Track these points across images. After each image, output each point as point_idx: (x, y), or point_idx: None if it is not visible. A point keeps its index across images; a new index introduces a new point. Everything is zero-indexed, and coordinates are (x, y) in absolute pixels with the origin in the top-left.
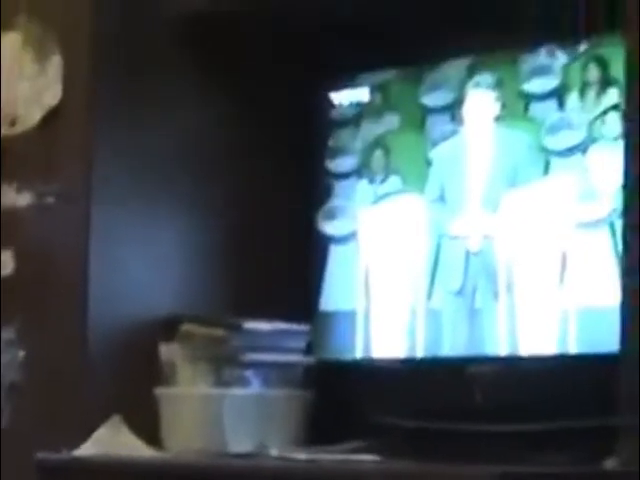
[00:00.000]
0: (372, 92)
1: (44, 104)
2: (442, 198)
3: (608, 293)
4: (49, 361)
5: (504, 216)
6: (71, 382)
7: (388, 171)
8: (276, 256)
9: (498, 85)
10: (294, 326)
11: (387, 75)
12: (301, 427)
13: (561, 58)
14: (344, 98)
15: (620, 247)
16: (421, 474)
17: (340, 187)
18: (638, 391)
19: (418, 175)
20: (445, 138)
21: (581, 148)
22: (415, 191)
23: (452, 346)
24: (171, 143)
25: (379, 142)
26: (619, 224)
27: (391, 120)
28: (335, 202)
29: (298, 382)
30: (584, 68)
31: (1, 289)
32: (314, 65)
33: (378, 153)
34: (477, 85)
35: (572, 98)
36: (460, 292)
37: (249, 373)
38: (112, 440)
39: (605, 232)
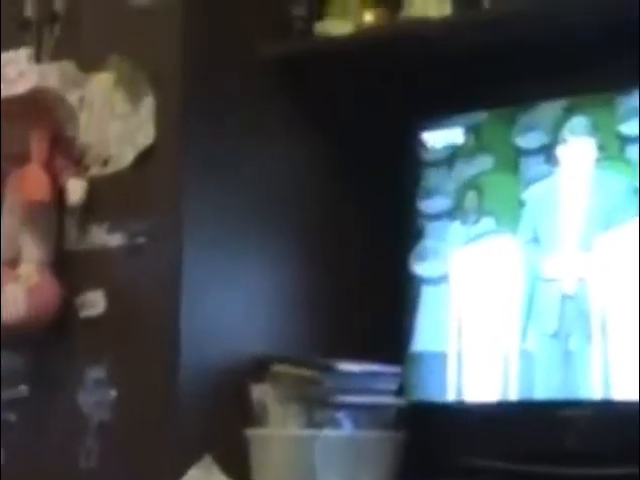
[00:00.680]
0: (466, 133)
1: (137, 144)
2: (536, 239)
3: None
4: (139, 401)
5: (598, 258)
6: (161, 422)
7: (481, 212)
8: (367, 297)
9: (594, 127)
10: (385, 367)
11: (481, 116)
12: (392, 469)
13: None
14: (437, 139)
15: None
16: None
17: (432, 228)
18: None
19: (511, 216)
20: (539, 179)
21: None
22: (508, 232)
23: (545, 389)
24: (262, 183)
25: (472, 183)
26: None
27: (484, 161)
28: (427, 243)
29: (389, 424)
30: None
31: (92, 329)
32: (408, 105)
33: (471, 194)
34: (572, 127)
35: None
36: (555, 335)
37: (340, 414)
38: None
39: None
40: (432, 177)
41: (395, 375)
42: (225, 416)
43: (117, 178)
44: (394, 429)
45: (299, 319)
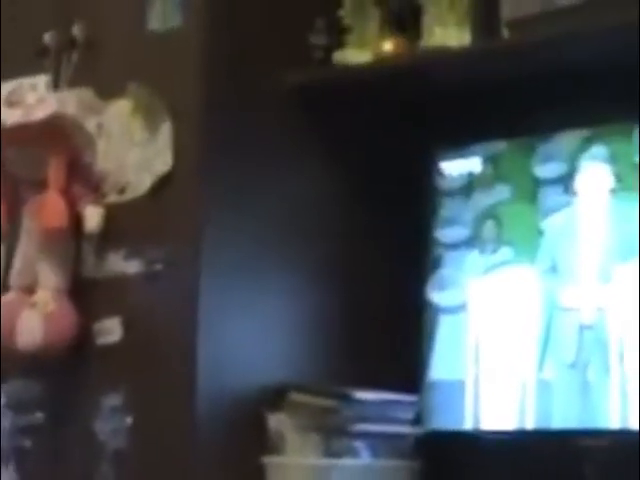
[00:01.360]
0: (484, 162)
1: (154, 171)
2: (554, 269)
3: None
4: (155, 428)
5: (617, 288)
6: (178, 450)
7: (499, 241)
8: (385, 326)
9: (612, 157)
10: (403, 396)
11: (499, 146)
12: None
13: None
14: (455, 168)
15: None
16: None
17: (450, 257)
18: None
19: (529, 246)
20: (557, 209)
21: None
22: (526, 262)
23: (563, 419)
24: (281, 211)
25: (490, 212)
26: None
27: (502, 191)
28: (445, 272)
29: (407, 453)
30: None
31: (109, 356)
32: (426, 135)
33: (489, 223)
34: (591, 157)
35: None
36: (573, 364)
37: (358, 444)
38: None
39: None
40: (450, 206)
41: (412, 404)
42: (242, 444)
43: (134, 205)
44: (411, 458)
45: (317, 348)
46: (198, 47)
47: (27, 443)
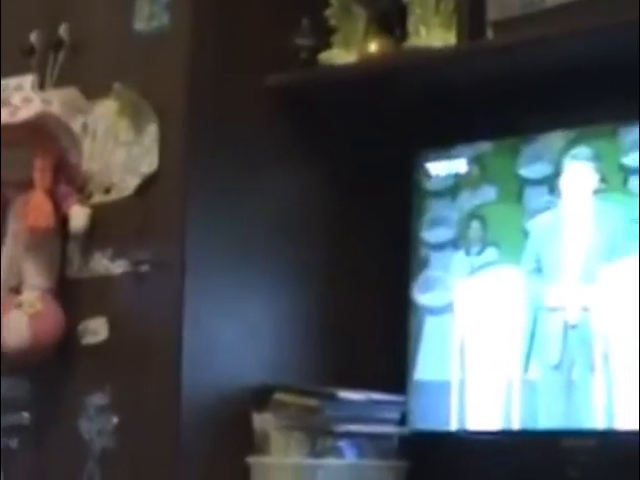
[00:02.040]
0: (469, 163)
1: (140, 172)
2: (539, 269)
3: None
4: (141, 428)
5: (601, 288)
6: (163, 449)
7: (485, 242)
8: (370, 326)
9: (597, 158)
10: (388, 396)
11: (484, 147)
12: None
13: None
14: (441, 169)
15: None
16: None
17: (436, 258)
18: None
19: (515, 246)
20: (542, 210)
21: None
22: (512, 262)
23: (548, 419)
24: (266, 212)
25: (476, 213)
26: None
27: (488, 191)
28: (431, 273)
29: (392, 453)
30: None
31: (94, 356)
32: (412, 135)
33: (475, 224)
34: (576, 158)
35: None
36: (558, 365)
37: (343, 443)
38: None
39: None
40: (436, 207)
41: (398, 404)
42: (227, 444)
43: (120, 205)
44: (396, 458)
45: (302, 348)
46: (184, 48)
47: (13, 443)
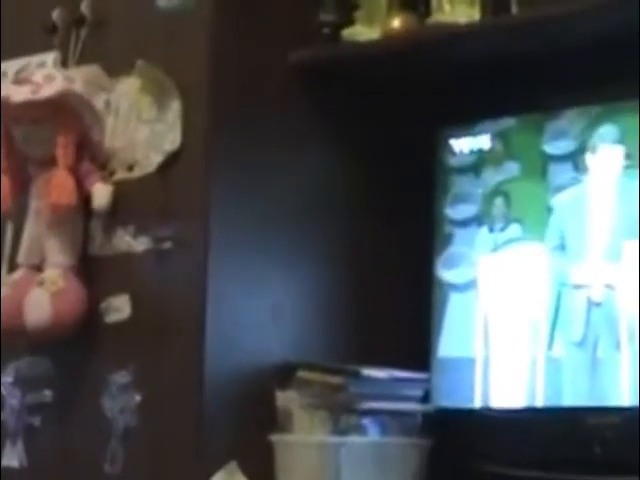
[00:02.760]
0: (493, 140)
1: (163, 149)
2: (562, 246)
3: None
4: (164, 406)
5: (626, 266)
6: (186, 427)
7: (508, 219)
8: (394, 303)
9: (622, 135)
10: (412, 374)
11: (509, 123)
12: (417, 476)
13: None
14: (465, 145)
15: None
16: None
17: (460, 235)
18: None
19: (539, 223)
20: (567, 186)
21: None
22: (535, 239)
23: (572, 396)
24: (289, 189)
25: (500, 190)
26: None
27: (512, 168)
28: (455, 249)
29: (415, 430)
30: None
31: (117, 334)
32: (435, 112)
33: (498, 201)
34: (601, 135)
35: None
36: (582, 342)
37: (366, 421)
38: None
39: None
40: (459, 183)
41: (421, 381)
42: (250, 422)
43: (143, 183)
44: (420, 436)
45: (325, 325)
46: (207, 24)
47: (36, 421)
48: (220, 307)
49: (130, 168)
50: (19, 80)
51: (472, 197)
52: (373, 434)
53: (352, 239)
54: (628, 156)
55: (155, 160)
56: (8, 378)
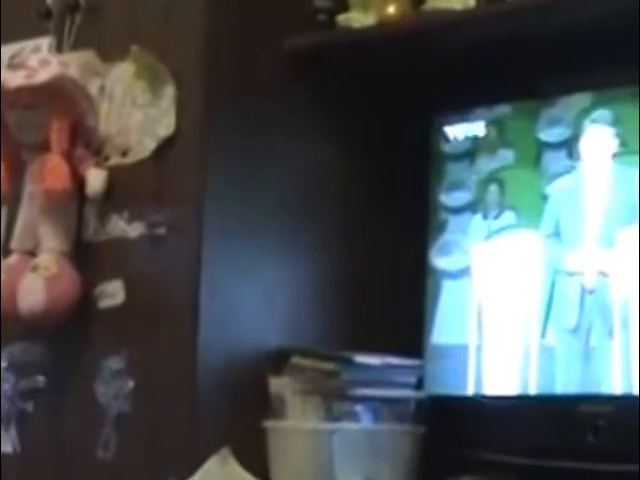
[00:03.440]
0: (487, 127)
1: (157, 135)
2: (557, 234)
3: None
4: (158, 392)
5: (620, 253)
6: (180, 413)
7: (503, 206)
8: (388, 290)
9: (616, 121)
10: (405, 360)
11: (503, 110)
12: (411, 463)
13: None
14: (459, 132)
15: None
16: None
17: (454, 222)
18: None
19: (533, 210)
20: (561, 174)
21: None
22: (530, 226)
23: (565, 384)
24: (283, 175)
25: (494, 177)
26: None
27: (506, 155)
28: (448, 237)
29: (408, 417)
30: None
31: (111, 319)
32: (430, 98)
33: (493, 188)
34: (595, 121)
35: None
36: (575, 329)
37: (359, 408)
38: (220, 472)
39: None
40: (454, 170)
41: (414, 368)
42: (243, 408)
43: (137, 168)
44: (413, 422)
45: (319, 312)
46: (202, 10)
47: (29, 406)
48: (214, 293)
49: (124, 153)
50: (14, 65)
51: (466, 184)
52: (366, 421)
53: (346, 226)
54: (622, 143)
55: (149, 146)
56: (1, 364)
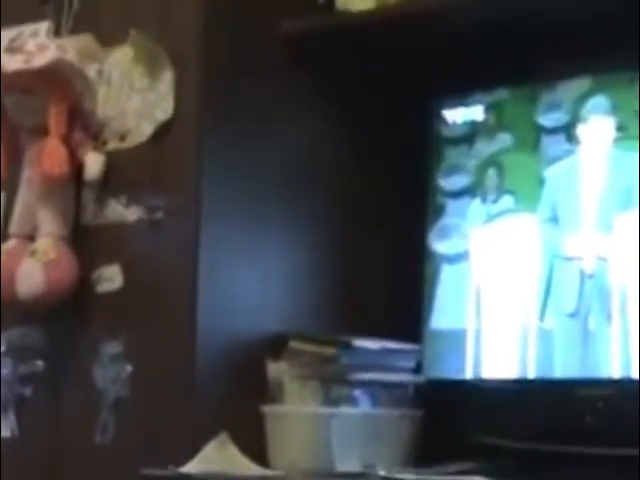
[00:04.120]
0: (486, 111)
1: (155, 119)
2: (555, 218)
3: None
4: (156, 376)
5: (618, 238)
6: (178, 398)
7: (501, 190)
8: (386, 274)
9: (615, 106)
10: (403, 345)
11: (501, 94)
12: (409, 447)
13: None
14: (458, 116)
15: None
16: None
17: (452, 206)
18: None
19: (531, 195)
20: (559, 158)
21: None
22: (528, 211)
23: (564, 368)
24: (282, 159)
25: (492, 161)
26: None
27: (505, 139)
28: (447, 221)
29: (407, 402)
30: None
31: (108, 304)
32: (429, 82)
33: (491, 172)
34: (594, 106)
35: None
36: (574, 314)
37: (358, 392)
38: (219, 457)
39: None
40: (452, 154)
41: (413, 352)
42: (241, 392)
43: (135, 153)
44: (411, 407)
45: (317, 296)
46: None
47: (27, 391)
48: (212, 277)
49: (122, 138)
50: (12, 49)
51: (465, 168)
52: (364, 405)
53: (344, 210)
54: (621, 127)
55: (147, 130)
56: (0, 348)
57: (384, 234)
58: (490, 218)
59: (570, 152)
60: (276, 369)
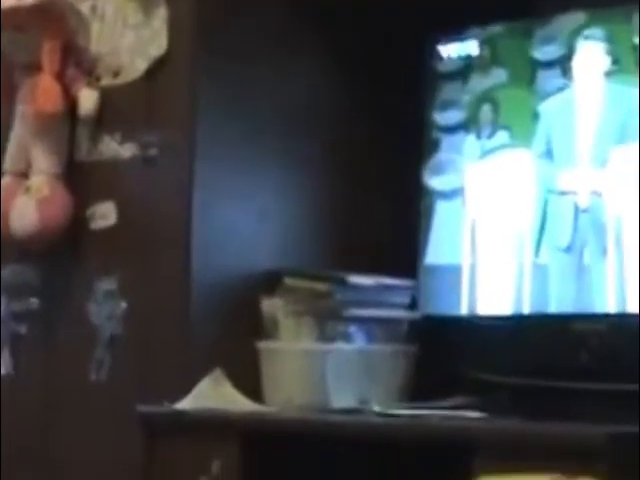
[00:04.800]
0: (481, 46)
1: (149, 55)
2: (549, 153)
3: None
4: (150, 313)
5: (613, 172)
6: (172, 335)
7: (496, 126)
8: (381, 210)
9: (610, 39)
10: (398, 281)
11: (496, 29)
12: (404, 383)
13: None
14: (453, 51)
15: None
16: (525, 432)
17: (447, 141)
18: None
19: (526, 130)
20: (554, 92)
21: None
22: (522, 146)
23: (559, 303)
24: (277, 96)
25: (487, 96)
26: None
27: (499, 74)
28: (442, 156)
29: (402, 337)
30: None
31: (103, 241)
32: (423, 18)
33: (486, 107)
34: (588, 39)
35: None
36: (568, 248)
37: (352, 328)
38: (213, 393)
39: None
40: (447, 89)
41: (408, 288)
42: (236, 329)
43: (129, 89)
44: (406, 343)
45: (312, 233)
46: None
47: (22, 329)
48: (206, 214)
49: (116, 74)
50: None
51: (459, 103)
52: (359, 341)
53: (338, 146)
54: (616, 61)
55: (141, 66)
56: None
57: (379, 170)
58: (485, 153)
59: (565, 86)
60: (271, 306)
